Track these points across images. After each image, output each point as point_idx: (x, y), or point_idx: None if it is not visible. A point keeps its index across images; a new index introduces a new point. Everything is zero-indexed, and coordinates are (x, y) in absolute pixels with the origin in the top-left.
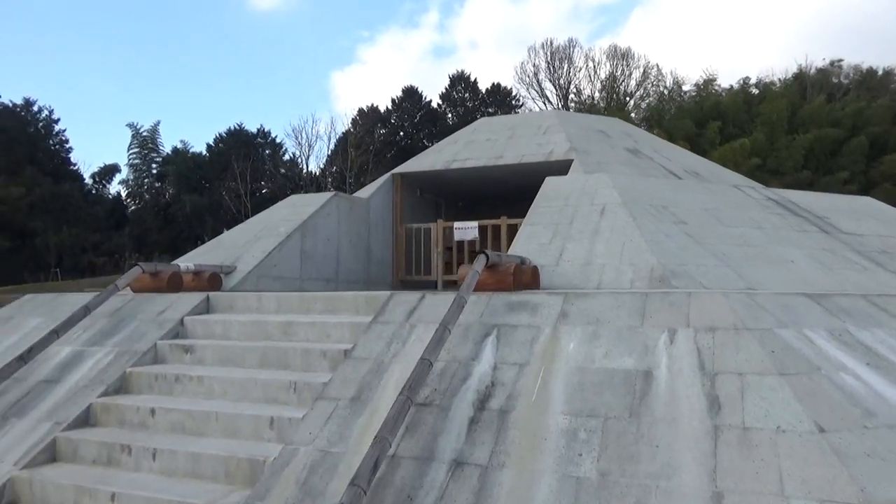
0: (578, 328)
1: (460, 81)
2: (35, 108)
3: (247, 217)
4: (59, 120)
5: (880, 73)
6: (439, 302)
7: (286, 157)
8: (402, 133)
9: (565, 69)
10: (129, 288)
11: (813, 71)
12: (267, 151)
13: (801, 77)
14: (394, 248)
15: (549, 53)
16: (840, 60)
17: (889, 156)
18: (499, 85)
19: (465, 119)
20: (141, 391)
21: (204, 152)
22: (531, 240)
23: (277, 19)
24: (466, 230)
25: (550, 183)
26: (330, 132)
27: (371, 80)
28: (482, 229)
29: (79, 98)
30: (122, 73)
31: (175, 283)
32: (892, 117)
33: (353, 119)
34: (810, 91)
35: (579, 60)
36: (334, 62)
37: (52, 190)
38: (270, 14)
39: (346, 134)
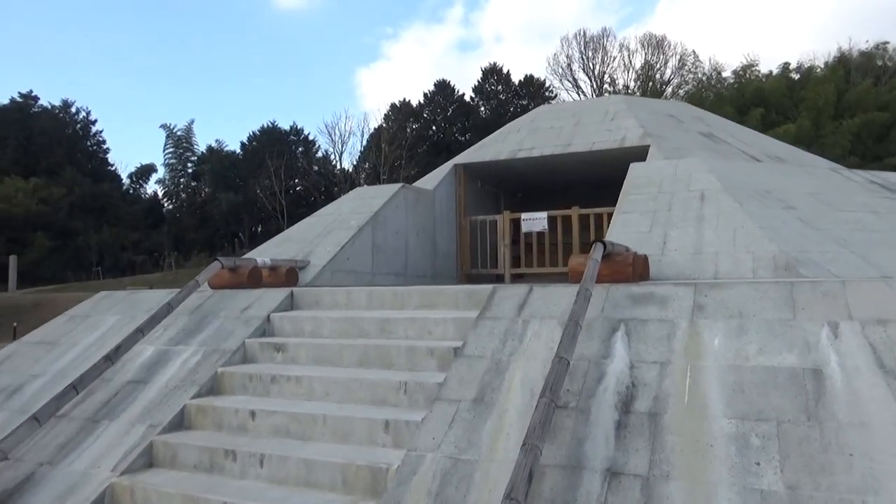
0: (720, 322)
1: (493, 74)
2: (73, 110)
3: (282, 214)
4: (96, 121)
5: None
6: (549, 295)
7: (319, 154)
8: (434, 127)
9: (599, 59)
10: (206, 284)
11: (856, 54)
12: (300, 149)
13: (844, 60)
14: (458, 242)
15: (582, 44)
16: (885, 42)
17: None
18: (531, 76)
19: (499, 112)
20: (234, 392)
21: (238, 151)
22: (627, 228)
23: (301, 17)
24: (535, 221)
25: (637, 169)
26: (363, 128)
27: (397, 76)
28: (551, 220)
29: (113, 100)
30: (153, 74)
31: (255, 279)
32: None
33: (385, 114)
34: (854, 74)
35: (613, 50)
36: (359, 59)
37: (92, 190)
38: (294, 13)
39: (378, 129)
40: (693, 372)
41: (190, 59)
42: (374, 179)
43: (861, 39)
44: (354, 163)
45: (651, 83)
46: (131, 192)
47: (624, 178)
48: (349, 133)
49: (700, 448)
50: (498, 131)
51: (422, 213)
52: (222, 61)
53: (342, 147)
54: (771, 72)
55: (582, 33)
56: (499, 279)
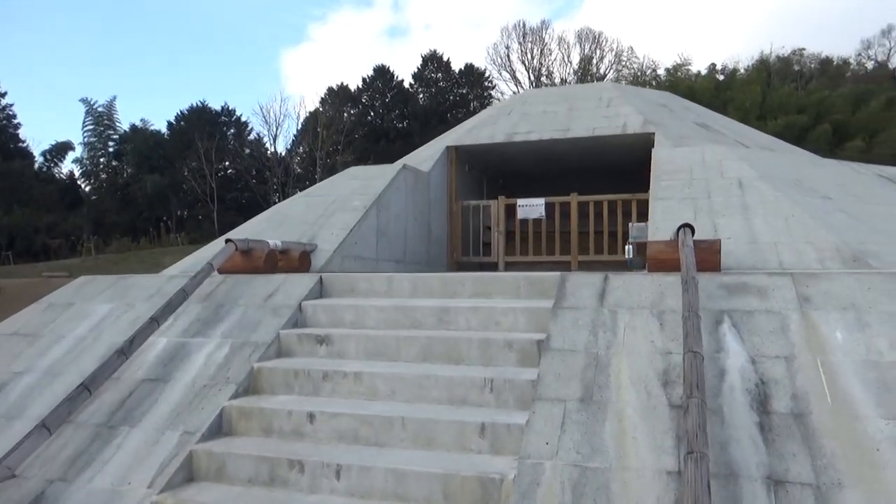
0: (834, 314)
1: (432, 61)
2: None
3: (212, 198)
4: (5, 94)
5: (835, 61)
6: (630, 284)
7: (252, 136)
8: (372, 113)
9: (538, 51)
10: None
11: (774, 59)
12: (232, 130)
13: (765, 64)
14: (449, 227)
15: (521, 35)
16: (802, 49)
17: (850, 143)
18: (472, 65)
19: (438, 100)
20: (276, 391)
21: (164, 130)
22: (668, 216)
23: None
24: (532, 208)
25: (662, 155)
26: (299, 111)
27: (324, 59)
28: (548, 206)
29: (25, 72)
30: (71, 46)
31: (272, 264)
32: (852, 106)
33: (321, 98)
34: (774, 78)
35: (552, 43)
36: (284, 40)
37: (0, 168)
38: None
39: (315, 113)
40: (825, 368)
41: (112, 32)
42: (310, 164)
43: (781, 45)
44: (288, 146)
45: (589, 78)
46: (45, 170)
47: (624, 165)
48: (284, 116)
49: (865, 452)
50: (483, 114)
51: (419, 197)
52: (147, 35)
53: (277, 130)
54: (699, 72)
55: (521, 24)
56: (491, 267)
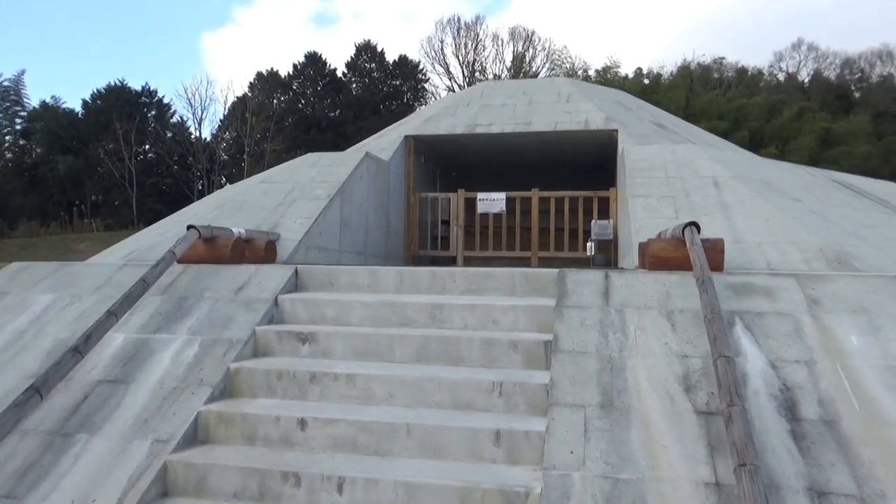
0: (845, 317)
1: (366, 51)
2: None
3: (131, 183)
4: None
5: (751, 71)
6: (633, 283)
7: (174, 119)
8: (303, 101)
9: (472, 47)
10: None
11: (695, 66)
12: (153, 112)
13: (686, 70)
14: (406, 220)
15: (455, 29)
16: (722, 58)
17: (765, 149)
18: (405, 57)
19: (372, 90)
20: (257, 394)
21: (79, 109)
22: (652, 213)
23: None
24: (493, 202)
25: (635, 153)
26: (227, 95)
27: (249, 44)
28: (509, 201)
29: None
30: None
31: (238, 253)
32: (767, 114)
33: (250, 83)
34: (696, 84)
35: (486, 39)
36: (206, 22)
37: None
38: None
39: (243, 98)
40: (847, 373)
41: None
42: (238, 151)
43: (700, 53)
44: (214, 132)
45: (522, 76)
46: None
47: (583, 162)
48: (210, 100)
49: None
50: (438, 104)
51: (379, 187)
52: (59, 5)
53: (202, 114)
54: (627, 75)
55: (456, 19)
56: (449, 262)
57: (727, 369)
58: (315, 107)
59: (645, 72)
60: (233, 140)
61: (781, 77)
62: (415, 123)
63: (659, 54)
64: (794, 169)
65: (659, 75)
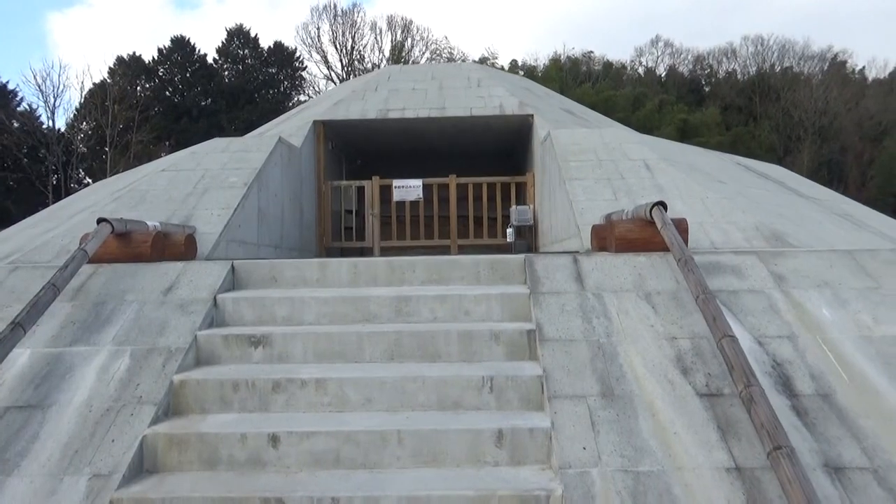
0: (813, 292)
1: (239, 36)
2: None
3: None
4: None
5: (615, 65)
6: (604, 266)
7: (21, 107)
8: (171, 89)
9: (350, 35)
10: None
11: (565, 59)
12: None
13: (557, 63)
14: (318, 210)
15: (332, 16)
16: (591, 52)
17: None
18: (281, 44)
19: (246, 78)
20: (210, 409)
21: None
22: (590, 196)
23: None
24: (409, 189)
25: (564, 136)
26: (83, 81)
27: (105, 26)
28: (425, 189)
29: None
30: None
31: (159, 249)
32: (632, 105)
33: (110, 68)
34: (567, 76)
35: (364, 27)
36: (49, 1)
37: None
38: None
39: (102, 85)
40: (829, 346)
41: None
42: (99, 142)
43: (570, 47)
44: (70, 121)
45: (402, 64)
46: None
47: (497, 147)
48: (64, 86)
49: None
50: (344, 88)
51: (293, 175)
52: None
53: (55, 102)
54: (503, 67)
55: (332, 5)
56: (366, 253)
57: (735, 349)
58: (184, 95)
59: (520, 63)
60: (92, 130)
61: (641, 71)
62: (322, 108)
63: (532, 47)
64: (706, 153)
65: (534, 67)
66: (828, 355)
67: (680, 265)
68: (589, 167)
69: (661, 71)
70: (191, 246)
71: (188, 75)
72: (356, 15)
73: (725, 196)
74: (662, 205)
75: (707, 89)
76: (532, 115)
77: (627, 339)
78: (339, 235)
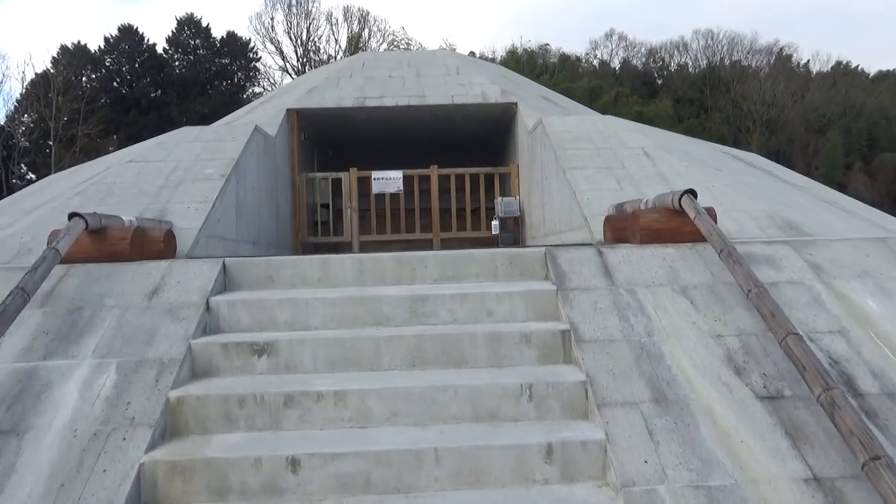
0: (854, 283)
1: (189, 25)
2: None
3: None
4: None
5: (572, 57)
6: (631, 258)
7: None
8: (119, 79)
9: (305, 26)
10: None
11: (522, 51)
12: None
13: (515, 56)
14: (293, 203)
15: (286, 6)
16: (547, 44)
17: None
18: (234, 34)
19: (198, 69)
20: (213, 429)
21: None
22: (596, 185)
23: None
24: (389, 181)
25: (556, 124)
26: (24, 71)
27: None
28: (406, 180)
29: None
30: None
31: (138, 247)
32: (589, 97)
33: (53, 58)
34: (524, 68)
35: (320, 18)
36: None
37: None
38: None
39: (45, 76)
40: (883, 340)
41: None
42: (43, 135)
43: (526, 39)
44: (10, 113)
45: (373, 52)
46: None
47: (477, 137)
48: (4, 77)
49: None
50: (316, 76)
51: (269, 166)
52: None
53: None
54: None
55: None
56: (344, 248)
57: (804, 348)
58: (133, 86)
59: (478, 55)
60: (34, 123)
61: (597, 64)
62: (294, 96)
63: (489, 39)
64: (695, 141)
65: (492, 59)
66: (884, 350)
67: (722, 257)
68: (588, 155)
69: (616, 64)
70: (170, 243)
71: (137, 66)
72: (311, 5)
73: (728, 184)
74: (692, 193)
75: (660, 82)
76: (516, 104)
77: (671, 337)
78: (317, 230)
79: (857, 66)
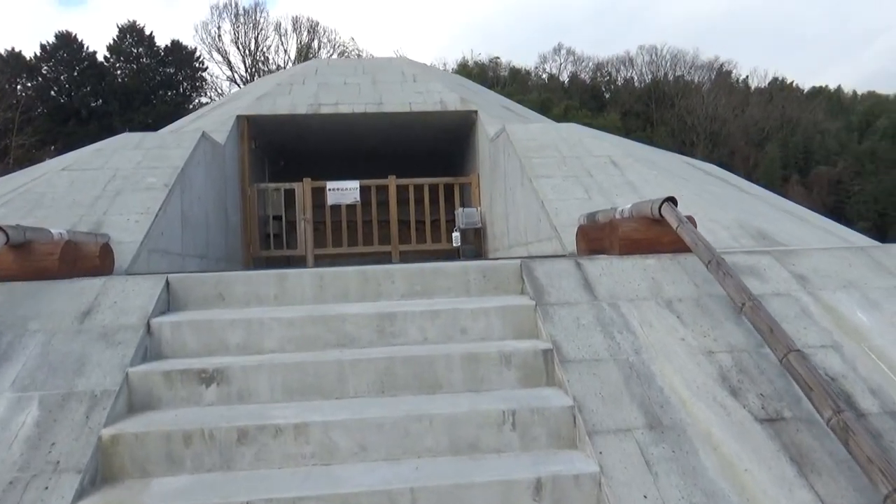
0: (840, 294)
1: (132, 33)
2: None
3: None
4: None
5: (522, 70)
6: (611, 270)
7: None
8: (57, 88)
9: (253, 36)
10: None
11: (472, 64)
12: None
13: (466, 68)
14: (243, 215)
15: (233, 15)
16: (497, 58)
17: None
18: (180, 43)
19: (141, 78)
20: (154, 472)
21: None
22: (564, 194)
23: None
24: (345, 192)
25: (519, 132)
26: None
27: None
28: (363, 191)
29: None
30: None
31: (69, 263)
32: (539, 110)
33: None
34: (475, 81)
35: (268, 29)
36: None
37: None
38: None
39: None
40: (876, 354)
41: None
42: None
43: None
44: None
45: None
46: None
47: (436, 147)
48: None
49: None
50: (267, 82)
51: (216, 175)
52: None
53: None
54: None
55: (233, 4)
56: (297, 262)
57: (808, 367)
58: (72, 95)
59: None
60: None
61: (546, 77)
62: (245, 102)
63: (440, 52)
64: (657, 150)
65: (444, 71)
66: (879, 365)
67: (711, 268)
68: (554, 164)
69: (565, 78)
70: (107, 257)
71: (76, 74)
72: (259, 15)
73: (695, 193)
74: (672, 200)
75: (607, 96)
76: (476, 112)
77: (660, 355)
78: (268, 243)
79: (793, 83)
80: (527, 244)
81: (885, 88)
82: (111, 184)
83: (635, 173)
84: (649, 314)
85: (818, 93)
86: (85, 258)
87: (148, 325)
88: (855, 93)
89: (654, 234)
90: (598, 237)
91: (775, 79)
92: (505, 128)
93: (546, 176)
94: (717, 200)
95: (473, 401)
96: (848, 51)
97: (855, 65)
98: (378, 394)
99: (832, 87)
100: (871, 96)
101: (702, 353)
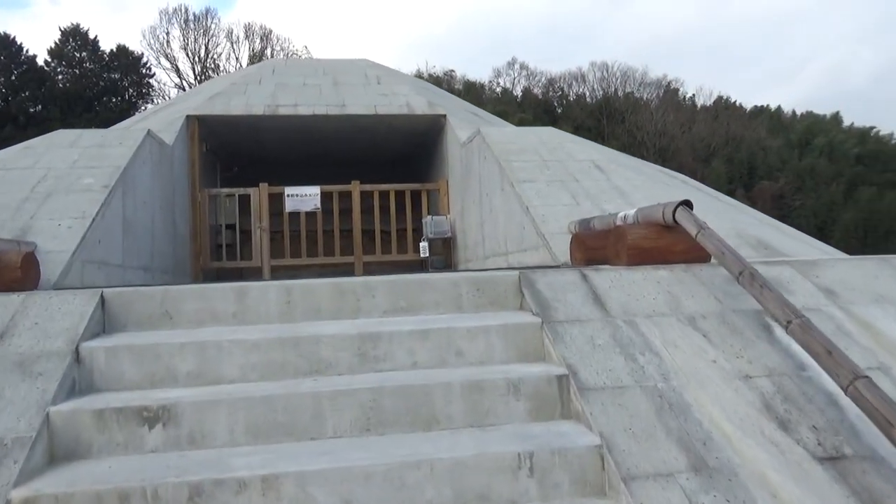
0: (873, 308)
1: (74, 37)
2: None
3: None
4: None
5: (477, 84)
6: (622, 283)
7: None
8: None
9: (203, 43)
10: None
11: (427, 76)
12: None
13: (420, 79)
14: (193, 223)
15: (182, 21)
16: (452, 70)
17: None
18: (125, 48)
19: (85, 83)
20: None
21: None
22: (547, 200)
23: None
24: (304, 199)
25: (496, 135)
26: None
27: None
28: (324, 197)
29: None
30: None
31: None
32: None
33: None
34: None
35: (220, 35)
36: None
37: None
38: None
39: None
40: None
41: None
42: None
43: (431, 65)
44: None
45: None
46: None
47: (400, 152)
48: None
49: None
50: (220, 82)
51: (164, 178)
52: None
53: None
54: None
55: (183, 9)
56: (252, 274)
57: (881, 396)
58: (9, 99)
59: None
60: None
61: (499, 91)
62: (196, 102)
63: (395, 63)
64: (633, 158)
65: (409, 76)
66: None
67: (743, 281)
68: (536, 168)
69: (518, 92)
70: (31, 269)
71: (14, 78)
72: (210, 21)
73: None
74: (688, 204)
75: (559, 110)
76: (445, 116)
77: (691, 381)
78: (220, 254)
79: (736, 102)
80: (507, 254)
81: (820, 109)
82: (41, 184)
83: (622, 178)
84: (672, 333)
85: (760, 112)
86: (4, 269)
87: (77, 352)
88: (794, 112)
89: (665, 242)
90: (598, 246)
91: (720, 97)
92: (480, 130)
93: (529, 180)
94: (708, 209)
95: (479, 440)
96: (785, 74)
97: (791, 87)
98: (363, 432)
99: (773, 106)
100: (810, 115)
101: (738, 377)
